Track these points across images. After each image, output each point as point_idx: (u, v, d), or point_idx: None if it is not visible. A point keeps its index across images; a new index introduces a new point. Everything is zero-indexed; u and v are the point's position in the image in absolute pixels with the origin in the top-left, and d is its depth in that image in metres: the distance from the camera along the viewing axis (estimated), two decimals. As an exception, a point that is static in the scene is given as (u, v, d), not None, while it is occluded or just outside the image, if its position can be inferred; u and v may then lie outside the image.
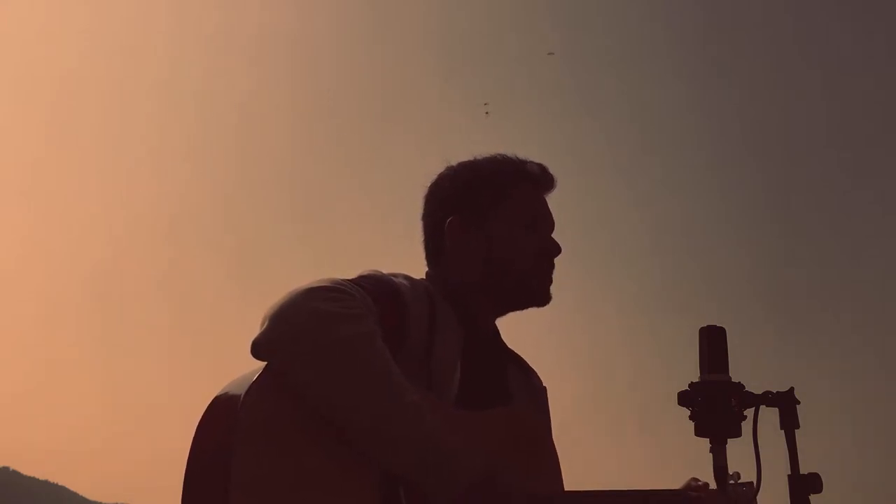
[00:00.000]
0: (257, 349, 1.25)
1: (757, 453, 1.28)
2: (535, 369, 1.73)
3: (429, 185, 1.68)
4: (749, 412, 1.28)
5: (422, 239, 1.67)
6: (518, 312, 1.66)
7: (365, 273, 1.43)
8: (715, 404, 1.26)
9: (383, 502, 1.27)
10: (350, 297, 1.29)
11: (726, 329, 1.30)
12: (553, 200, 1.70)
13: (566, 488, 1.51)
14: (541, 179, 1.65)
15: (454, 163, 1.68)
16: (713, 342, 1.29)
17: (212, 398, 1.28)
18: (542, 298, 1.61)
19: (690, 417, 1.28)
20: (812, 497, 1.25)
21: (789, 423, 1.28)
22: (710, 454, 1.27)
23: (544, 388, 1.71)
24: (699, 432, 1.27)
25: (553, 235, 1.65)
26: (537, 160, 1.67)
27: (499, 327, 1.68)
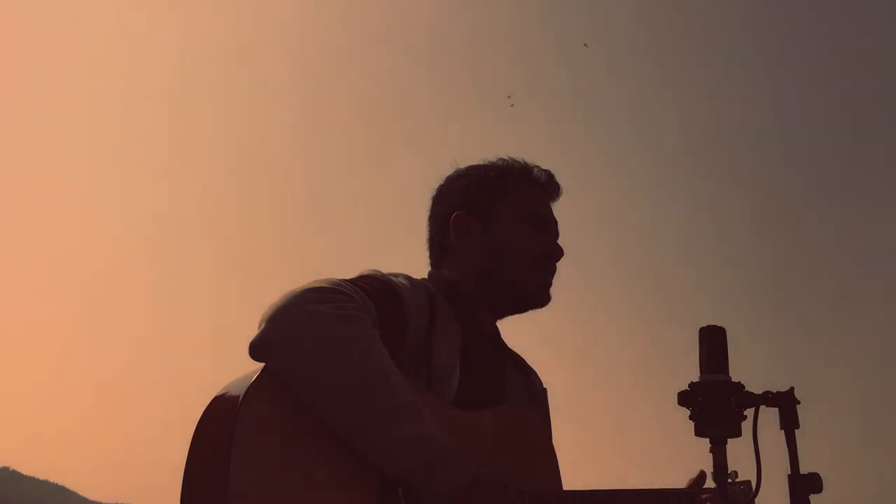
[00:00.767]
0: (255, 350, 1.25)
1: (757, 453, 1.27)
2: (536, 369, 1.73)
3: (436, 186, 1.70)
4: (749, 412, 1.28)
5: (426, 238, 1.68)
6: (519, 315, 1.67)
7: (364, 273, 1.44)
8: (715, 404, 1.26)
9: (382, 503, 1.27)
10: (348, 297, 1.29)
11: (726, 329, 1.30)
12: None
13: (565, 488, 1.51)
14: (546, 186, 1.68)
15: (462, 165, 1.70)
16: (713, 342, 1.29)
17: (211, 399, 1.28)
18: (539, 300, 1.62)
19: (690, 417, 1.28)
20: (812, 497, 1.25)
21: (789, 423, 1.28)
22: (710, 454, 1.27)
23: (545, 389, 1.71)
24: (699, 432, 1.27)
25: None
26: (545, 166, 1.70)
27: (499, 328, 1.69)
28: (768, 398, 1.29)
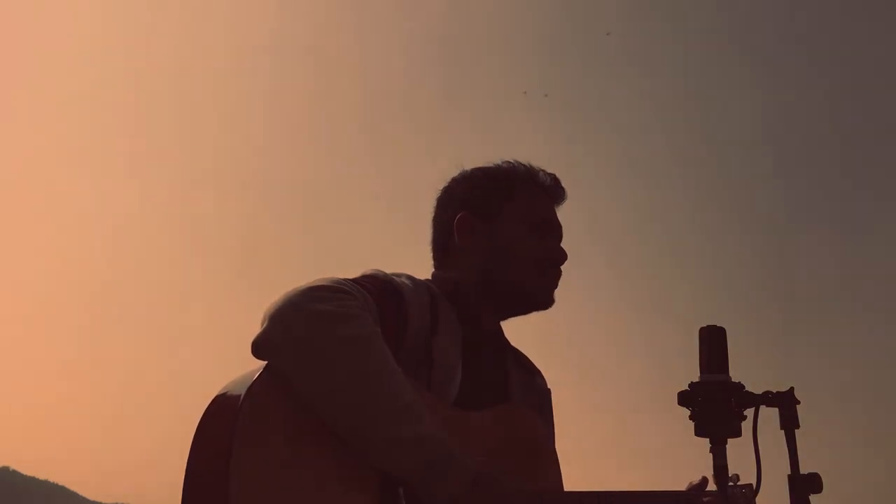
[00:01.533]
0: (257, 349, 1.26)
1: (757, 453, 1.28)
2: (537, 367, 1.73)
3: (441, 188, 1.70)
4: (749, 412, 1.28)
5: (430, 240, 1.68)
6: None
7: (367, 272, 1.44)
8: (715, 404, 1.26)
9: (382, 502, 1.27)
10: (350, 296, 1.29)
11: (726, 329, 1.30)
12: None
13: (566, 489, 1.51)
14: (551, 189, 1.68)
15: (467, 167, 1.70)
16: (713, 342, 1.29)
17: (212, 398, 1.28)
18: (543, 303, 1.62)
19: (690, 417, 1.28)
20: (812, 497, 1.25)
21: (789, 423, 1.28)
22: (710, 454, 1.27)
23: (549, 391, 1.71)
24: (699, 432, 1.27)
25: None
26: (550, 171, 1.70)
27: (502, 329, 1.69)
28: (768, 398, 1.29)
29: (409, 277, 1.49)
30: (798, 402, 1.29)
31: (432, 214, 1.69)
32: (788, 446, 1.27)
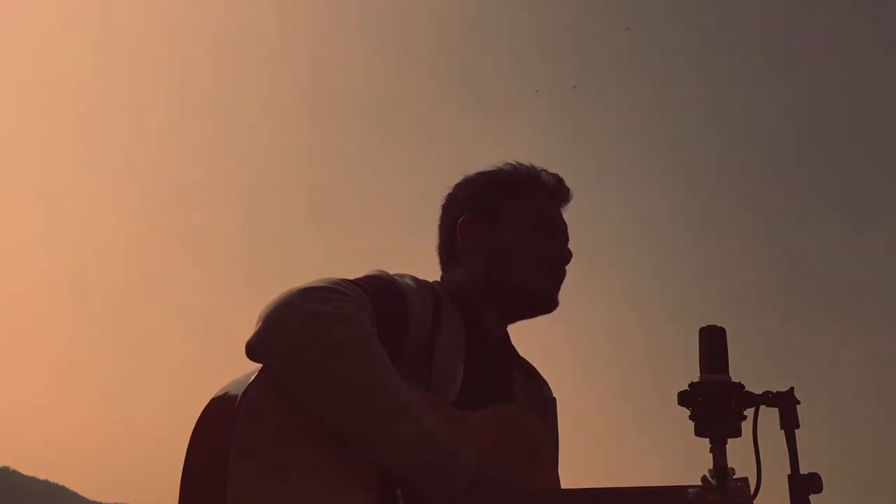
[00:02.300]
0: (251, 351, 1.25)
1: (757, 453, 1.27)
2: (539, 371, 1.72)
3: (445, 195, 1.70)
4: (749, 412, 1.28)
5: (437, 245, 1.68)
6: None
7: (370, 273, 1.43)
8: (715, 404, 1.26)
9: (382, 502, 1.27)
10: (346, 297, 1.28)
11: (726, 329, 1.30)
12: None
13: (564, 487, 1.51)
14: (555, 190, 1.67)
15: (470, 172, 1.70)
16: (713, 342, 1.29)
17: (210, 399, 1.28)
18: (547, 306, 1.62)
19: (690, 417, 1.28)
20: (812, 497, 1.25)
21: (789, 423, 1.28)
22: (710, 454, 1.27)
23: (553, 399, 1.70)
24: (699, 432, 1.27)
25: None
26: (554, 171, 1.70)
27: (508, 335, 1.68)
28: (768, 398, 1.29)
29: (413, 278, 1.49)
30: (798, 402, 1.29)
31: (438, 221, 1.69)
32: (788, 446, 1.27)
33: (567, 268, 1.63)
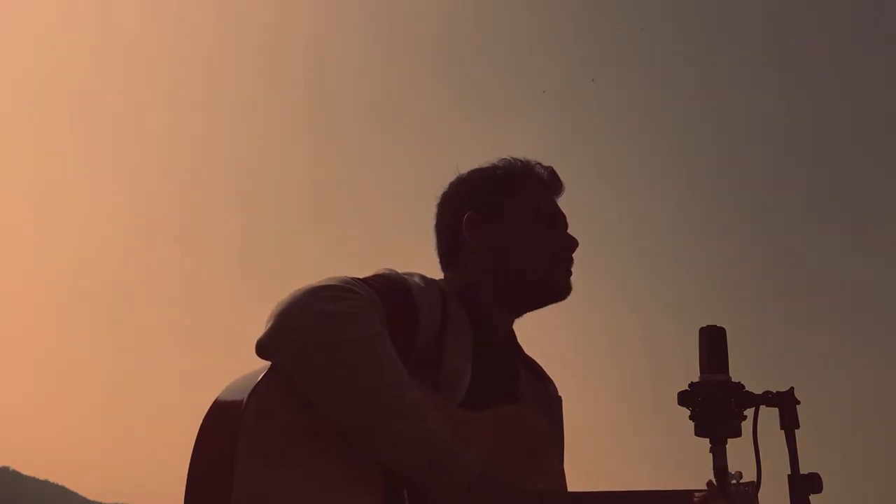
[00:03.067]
0: (262, 349, 1.25)
1: (757, 453, 1.28)
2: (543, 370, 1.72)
3: (441, 194, 1.70)
4: (749, 412, 1.28)
5: (435, 246, 1.68)
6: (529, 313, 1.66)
7: (378, 272, 1.43)
8: (715, 404, 1.27)
9: (387, 502, 1.27)
10: (356, 296, 1.28)
11: (726, 329, 1.30)
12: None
13: (569, 489, 1.51)
14: (549, 181, 1.69)
15: (464, 170, 1.71)
16: (713, 342, 1.29)
17: (214, 397, 1.28)
18: (560, 292, 1.62)
19: (690, 417, 1.28)
20: (812, 497, 1.25)
21: (789, 423, 1.28)
22: (710, 454, 1.27)
23: (559, 398, 1.70)
24: (699, 432, 1.27)
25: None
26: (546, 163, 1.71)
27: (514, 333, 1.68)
28: (768, 398, 1.29)
29: (422, 277, 1.49)
30: (798, 402, 1.29)
31: (434, 222, 1.69)
32: (788, 446, 1.27)
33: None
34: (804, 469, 1.26)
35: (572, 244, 1.63)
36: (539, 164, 1.69)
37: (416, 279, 1.46)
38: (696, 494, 1.36)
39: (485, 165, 1.70)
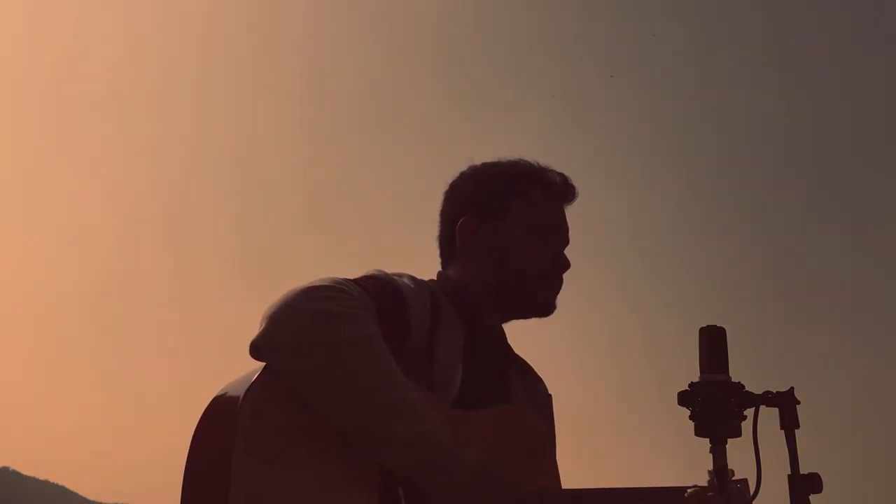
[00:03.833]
0: (256, 350, 1.25)
1: (757, 453, 1.27)
2: (538, 370, 1.72)
3: (449, 182, 1.68)
4: (749, 412, 1.28)
5: (437, 235, 1.67)
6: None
7: (368, 273, 1.43)
8: (715, 404, 1.26)
9: (383, 502, 1.27)
10: (349, 296, 1.28)
11: (726, 329, 1.30)
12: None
13: (564, 487, 1.51)
14: (561, 189, 1.65)
15: (477, 163, 1.68)
16: (713, 342, 1.29)
17: (211, 398, 1.28)
18: (543, 309, 1.61)
19: (690, 417, 1.27)
20: (812, 497, 1.25)
21: (789, 423, 1.28)
22: (710, 454, 1.27)
23: (550, 396, 1.70)
24: (699, 432, 1.27)
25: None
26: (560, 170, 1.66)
27: (504, 332, 1.68)
28: (768, 398, 1.29)
29: (411, 278, 1.49)
30: (798, 402, 1.29)
31: (440, 209, 1.68)
32: (788, 446, 1.27)
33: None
34: (804, 469, 1.26)
35: (563, 265, 1.60)
36: (552, 170, 1.65)
37: (406, 280, 1.45)
38: (689, 490, 1.36)
39: (496, 161, 1.66)
